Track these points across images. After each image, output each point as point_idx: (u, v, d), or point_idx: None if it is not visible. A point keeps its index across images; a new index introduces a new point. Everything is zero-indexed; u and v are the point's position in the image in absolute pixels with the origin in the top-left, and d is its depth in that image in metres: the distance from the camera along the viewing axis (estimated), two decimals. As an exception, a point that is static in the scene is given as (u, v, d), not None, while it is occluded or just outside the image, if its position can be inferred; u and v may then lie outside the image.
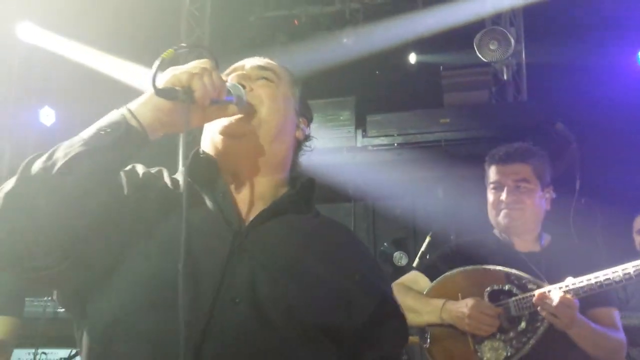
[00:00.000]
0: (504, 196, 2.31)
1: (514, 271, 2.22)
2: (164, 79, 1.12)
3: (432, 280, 2.37)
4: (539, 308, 2.10)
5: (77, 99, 5.46)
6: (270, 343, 1.12)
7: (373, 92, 5.50)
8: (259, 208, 1.27)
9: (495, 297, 2.22)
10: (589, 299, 2.10)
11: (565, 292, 2.07)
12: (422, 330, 2.33)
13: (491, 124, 4.61)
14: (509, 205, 2.30)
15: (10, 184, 1.06)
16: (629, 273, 2.05)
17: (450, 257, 2.41)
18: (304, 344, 1.15)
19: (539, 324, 2.14)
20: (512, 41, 4.88)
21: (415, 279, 2.43)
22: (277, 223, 1.25)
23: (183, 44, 1.26)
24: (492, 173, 2.38)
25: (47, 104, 5.56)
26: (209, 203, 1.24)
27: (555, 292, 2.07)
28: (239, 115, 1.24)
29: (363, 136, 4.87)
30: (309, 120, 1.44)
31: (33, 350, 3.71)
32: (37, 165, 1.06)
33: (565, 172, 3.78)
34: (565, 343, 2.09)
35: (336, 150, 4.85)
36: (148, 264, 1.13)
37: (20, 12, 5.17)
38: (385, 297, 1.33)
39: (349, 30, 5.65)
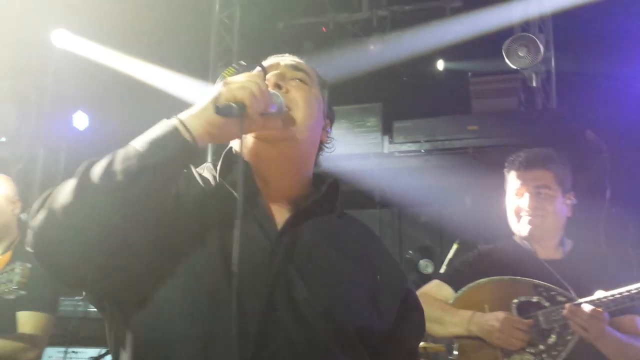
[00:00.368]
0: (524, 203, 2.27)
1: (542, 282, 2.19)
2: (219, 92, 1.14)
3: (454, 288, 2.34)
4: (569, 321, 2.07)
5: (110, 104, 5.58)
6: (313, 350, 1.14)
7: (400, 98, 5.47)
8: (287, 210, 1.30)
9: (524, 308, 2.20)
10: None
11: (596, 305, 2.05)
12: (448, 340, 2.31)
13: (520, 132, 4.50)
14: (530, 212, 2.27)
15: (69, 190, 1.06)
16: None
17: (473, 265, 2.38)
18: (344, 350, 1.17)
19: (569, 337, 2.11)
20: (542, 48, 4.74)
21: (439, 288, 2.40)
22: (306, 226, 1.28)
23: (242, 62, 1.30)
24: (512, 179, 2.35)
25: (81, 108, 5.66)
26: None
27: (586, 306, 2.05)
28: (279, 123, 1.25)
29: (390, 142, 4.82)
30: (332, 122, 1.47)
31: (64, 349, 3.78)
32: (96, 174, 1.06)
33: (595, 181, 3.73)
34: (594, 357, 2.07)
35: (363, 156, 4.81)
36: (193, 272, 1.15)
37: (54, 20, 5.30)
38: (407, 293, 1.36)
39: (376, 37, 5.65)
